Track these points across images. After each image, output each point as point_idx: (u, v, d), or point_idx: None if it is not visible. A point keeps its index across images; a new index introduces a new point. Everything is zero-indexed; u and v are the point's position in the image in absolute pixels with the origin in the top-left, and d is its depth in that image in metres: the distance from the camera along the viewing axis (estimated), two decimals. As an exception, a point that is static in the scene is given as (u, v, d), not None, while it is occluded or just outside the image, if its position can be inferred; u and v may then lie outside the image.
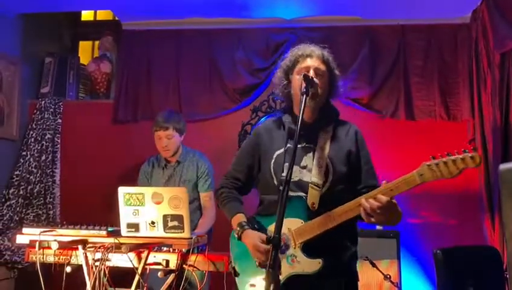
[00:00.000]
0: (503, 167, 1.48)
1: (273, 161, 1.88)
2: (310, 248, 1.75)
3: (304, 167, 1.84)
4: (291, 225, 1.77)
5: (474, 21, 3.63)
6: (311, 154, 1.85)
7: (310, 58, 1.89)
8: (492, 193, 3.34)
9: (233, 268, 1.91)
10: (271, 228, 1.79)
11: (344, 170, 1.83)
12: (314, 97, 1.82)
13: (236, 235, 1.86)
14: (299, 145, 1.81)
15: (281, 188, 1.66)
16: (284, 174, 1.74)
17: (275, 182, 1.85)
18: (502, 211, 1.55)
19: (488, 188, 3.39)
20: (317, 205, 1.78)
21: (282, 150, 1.85)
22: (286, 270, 1.76)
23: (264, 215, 1.90)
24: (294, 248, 1.76)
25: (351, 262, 1.87)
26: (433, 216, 3.66)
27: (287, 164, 1.76)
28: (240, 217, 1.91)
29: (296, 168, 1.82)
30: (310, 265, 1.73)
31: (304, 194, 1.80)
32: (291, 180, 1.73)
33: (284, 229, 1.72)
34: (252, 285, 1.82)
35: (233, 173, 2.05)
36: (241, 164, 2.04)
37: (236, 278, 1.89)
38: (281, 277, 1.73)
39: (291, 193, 1.76)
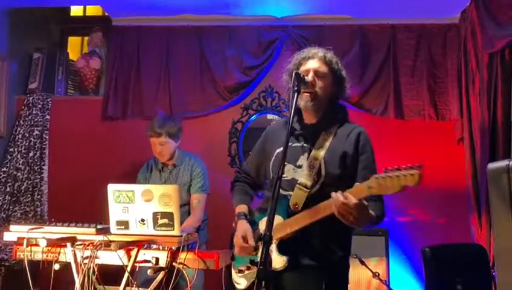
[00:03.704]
0: (491, 166, 1.50)
1: (273, 158, 1.94)
2: (284, 245, 1.79)
3: (299, 167, 1.86)
4: (275, 221, 1.80)
5: (463, 21, 3.66)
6: (307, 154, 1.87)
7: (312, 60, 1.91)
8: (479, 192, 3.37)
9: (232, 253, 2.01)
10: (260, 223, 1.90)
11: (337, 172, 1.81)
12: (313, 98, 1.85)
13: (234, 224, 1.96)
14: (297, 144, 1.91)
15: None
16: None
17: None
18: (490, 209, 1.56)
19: (475, 187, 3.42)
20: (301, 206, 1.79)
21: (281, 148, 1.89)
22: None
23: (260, 209, 1.99)
24: (272, 244, 1.80)
25: (336, 265, 1.85)
26: (422, 214, 3.69)
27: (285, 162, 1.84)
28: (240, 208, 2.01)
29: (290, 166, 1.87)
30: (278, 261, 1.77)
31: (291, 193, 1.83)
32: (285, 178, 1.84)
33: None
34: (240, 271, 1.93)
35: (245, 168, 2.18)
36: (251, 161, 2.15)
37: (231, 261, 2.02)
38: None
39: (281, 192, 1.82)
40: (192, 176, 3.07)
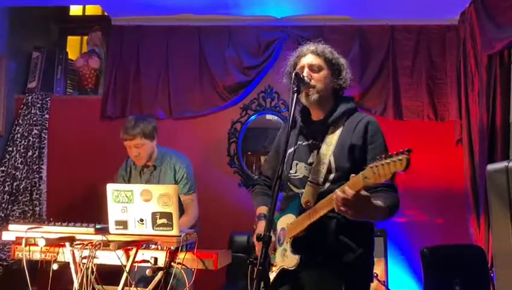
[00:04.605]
0: (490, 167, 1.50)
1: (286, 159, 1.90)
2: (297, 244, 1.77)
3: (310, 164, 1.85)
4: (288, 220, 1.83)
5: (462, 22, 3.67)
6: (316, 151, 1.86)
7: (304, 57, 1.92)
8: (478, 193, 3.38)
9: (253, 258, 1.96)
10: (279, 222, 1.91)
11: (347, 165, 1.77)
12: (313, 92, 1.84)
13: (254, 226, 1.98)
14: (306, 142, 1.92)
15: (288, 184, 1.92)
16: (292, 171, 1.90)
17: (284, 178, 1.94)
18: (489, 211, 1.57)
19: (474, 188, 3.43)
20: (313, 202, 1.76)
21: (293, 149, 1.92)
22: (279, 263, 1.82)
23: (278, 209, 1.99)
24: (287, 243, 1.80)
25: (356, 263, 1.77)
26: (420, 215, 3.70)
27: (295, 162, 1.89)
28: (260, 209, 2.03)
29: (302, 165, 1.89)
30: (291, 260, 1.75)
31: (303, 190, 1.82)
32: (297, 177, 1.88)
33: (284, 224, 1.84)
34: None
35: (263, 172, 2.22)
36: (268, 164, 2.18)
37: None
38: (275, 268, 1.83)
39: (295, 190, 1.88)
40: (176, 177, 2.91)
